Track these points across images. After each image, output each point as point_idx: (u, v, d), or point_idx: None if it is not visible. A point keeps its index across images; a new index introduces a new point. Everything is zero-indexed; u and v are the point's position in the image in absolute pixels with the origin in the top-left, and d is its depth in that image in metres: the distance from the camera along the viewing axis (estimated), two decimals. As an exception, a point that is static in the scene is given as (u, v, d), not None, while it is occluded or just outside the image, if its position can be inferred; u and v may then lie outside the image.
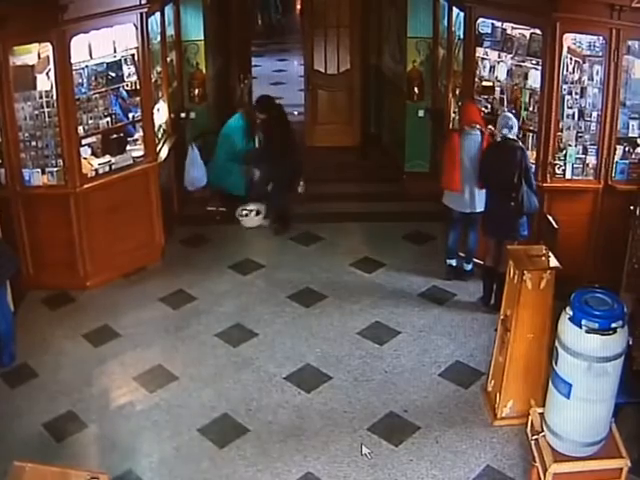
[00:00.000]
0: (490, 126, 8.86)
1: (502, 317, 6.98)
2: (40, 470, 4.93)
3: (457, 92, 10.06)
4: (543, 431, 5.83)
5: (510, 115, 8.36)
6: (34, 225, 8.80)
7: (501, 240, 8.32)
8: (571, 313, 5.40)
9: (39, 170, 8.67)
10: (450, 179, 8.78)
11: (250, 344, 8.25)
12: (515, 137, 8.23)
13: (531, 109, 8.71)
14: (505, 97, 9.13)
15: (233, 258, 9.92)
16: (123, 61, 9.09)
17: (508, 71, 9.05)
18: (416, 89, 11.38)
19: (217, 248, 10.24)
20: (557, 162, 8.60)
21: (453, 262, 9.35)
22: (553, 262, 6.68)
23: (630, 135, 8.40)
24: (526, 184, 8.06)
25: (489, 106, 9.29)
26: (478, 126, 8.69)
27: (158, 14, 9.93)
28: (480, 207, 8.70)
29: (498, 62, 9.14)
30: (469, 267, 9.33)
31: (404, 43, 11.45)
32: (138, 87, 9.28)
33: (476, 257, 9.21)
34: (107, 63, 8.96)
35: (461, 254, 9.33)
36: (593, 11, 7.96)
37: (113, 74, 9.02)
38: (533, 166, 8.49)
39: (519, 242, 8.13)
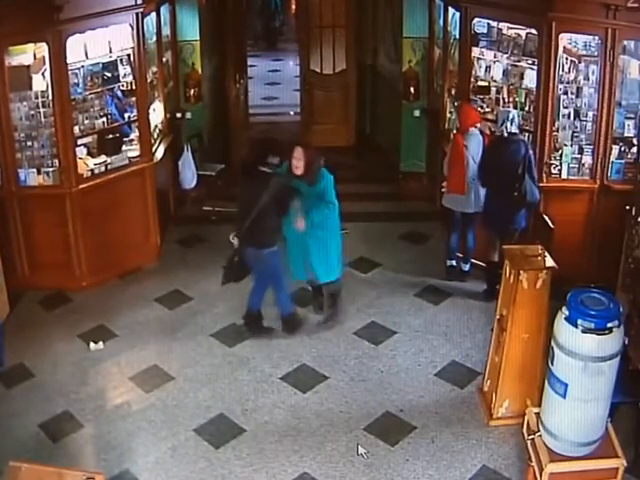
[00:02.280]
0: (489, 124, 8.91)
1: (498, 317, 6.98)
2: (36, 470, 4.93)
3: (453, 92, 10.07)
4: (539, 431, 5.82)
5: (508, 108, 8.44)
6: (30, 225, 8.80)
7: (502, 234, 8.37)
8: (567, 313, 5.39)
9: (35, 170, 8.67)
10: (457, 182, 8.77)
11: (246, 344, 8.24)
12: (517, 130, 8.28)
13: (527, 109, 8.71)
14: (501, 97, 9.15)
15: (229, 258, 9.92)
16: (119, 61, 9.09)
17: (504, 71, 9.06)
18: (412, 89, 11.37)
19: (213, 248, 10.20)
20: (553, 162, 8.62)
21: (454, 262, 9.36)
22: (549, 262, 6.68)
23: (626, 135, 8.42)
24: (528, 175, 8.14)
25: (484, 106, 9.30)
26: (478, 125, 8.72)
27: (154, 14, 9.91)
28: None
29: (494, 62, 9.15)
30: (467, 267, 9.34)
31: (400, 43, 11.44)
32: (134, 87, 9.28)
33: (474, 257, 9.23)
34: (103, 63, 8.96)
35: (459, 254, 9.34)
36: (589, 11, 7.98)
37: (109, 74, 9.01)
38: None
39: (519, 233, 8.32)
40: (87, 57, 8.77)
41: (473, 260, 9.25)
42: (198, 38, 11.30)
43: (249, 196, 7.78)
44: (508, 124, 8.17)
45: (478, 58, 9.29)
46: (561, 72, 8.40)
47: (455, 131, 9.16)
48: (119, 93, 9.26)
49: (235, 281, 8.11)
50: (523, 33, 8.74)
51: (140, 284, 9.38)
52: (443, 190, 9.21)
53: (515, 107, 8.85)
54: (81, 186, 8.83)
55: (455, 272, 9.34)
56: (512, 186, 8.13)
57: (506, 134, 8.21)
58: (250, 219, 7.68)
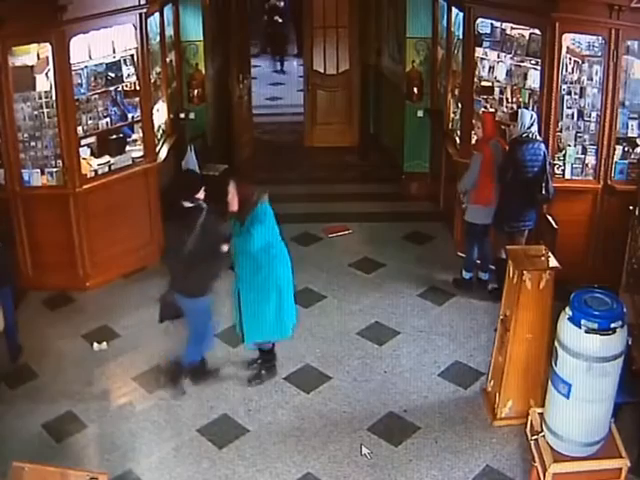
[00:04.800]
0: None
1: (502, 317, 6.98)
2: (39, 470, 4.94)
3: (456, 92, 10.07)
4: (543, 431, 5.83)
5: (529, 111, 8.37)
6: (34, 226, 8.81)
7: (515, 232, 8.39)
8: (570, 313, 5.39)
9: (38, 170, 8.69)
10: (487, 193, 8.51)
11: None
12: (537, 130, 8.26)
13: (530, 109, 8.70)
14: (504, 97, 9.14)
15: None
16: (122, 62, 9.10)
17: (507, 71, 9.07)
18: (415, 89, 11.38)
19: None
20: (556, 162, 8.61)
21: (471, 275, 9.12)
22: (552, 262, 6.68)
23: (629, 135, 8.42)
24: (547, 174, 8.18)
25: (488, 106, 9.30)
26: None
27: (157, 14, 9.94)
28: None
29: (497, 62, 9.15)
30: (487, 276, 9.09)
31: (403, 43, 11.45)
32: (137, 87, 9.28)
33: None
34: (106, 64, 8.98)
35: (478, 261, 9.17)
36: (592, 11, 7.97)
37: (112, 74, 9.03)
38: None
39: (529, 231, 8.37)
40: (91, 57, 8.78)
41: (478, 261, 9.21)
42: (202, 38, 11.32)
43: (176, 237, 6.98)
44: (533, 127, 8.14)
45: (481, 58, 9.29)
46: (564, 72, 8.39)
47: (475, 142, 8.94)
48: (118, 96, 9.25)
49: (173, 319, 7.46)
50: (526, 33, 8.74)
51: (144, 284, 9.35)
52: (465, 205, 8.88)
53: (519, 107, 8.84)
54: (85, 186, 8.84)
55: (471, 284, 9.12)
56: (536, 185, 8.12)
57: (531, 136, 8.15)
58: (183, 263, 6.93)
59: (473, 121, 9.51)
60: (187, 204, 6.99)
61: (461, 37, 9.60)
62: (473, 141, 9.35)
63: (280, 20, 19.32)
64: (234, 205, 7.04)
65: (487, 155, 8.48)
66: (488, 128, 8.59)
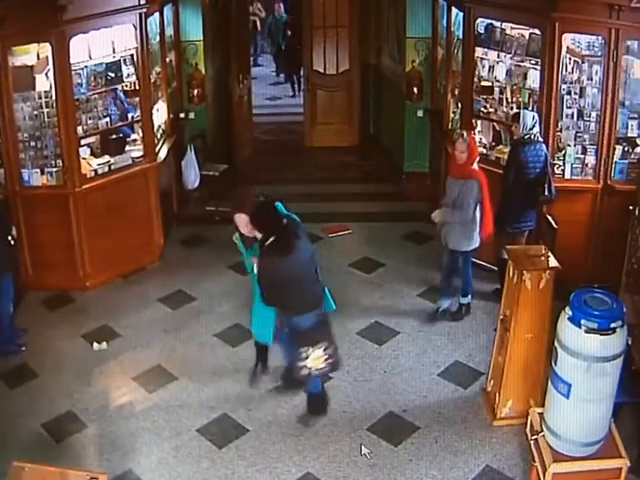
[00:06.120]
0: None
1: (501, 317, 6.98)
2: (39, 470, 4.94)
3: (456, 92, 10.07)
4: (542, 431, 5.82)
5: (531, 112, 8.34)
6: (33, 225, 8.80)
7: (516, 233, 8.37)
8: (570, 313, 5.39)
9: (38, 170, 8.68)
10: (491, 218, 8.16)
11: (249, 344, 8.18)
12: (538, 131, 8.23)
13: (530, 109, 8.70)
14: (504, 97, 9.14)
15: (232, 258, 9.84)
16: (122, 61, 9.10)
17: (507, 71, 9.06)
18: (415, 89, 11.39)
19: (216, 248, 10.21)
20: (556, 162, 8.61)
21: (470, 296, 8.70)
22: (552, 262, 6.68)
23: (629, 135, 8.41)
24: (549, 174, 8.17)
25: (487, 106, 9.29)
26: None
27: (157, 14, 9.94)
28: None
29: (497, 62, 9.14)
30: (467, 300, 8.72)
31: (403, 43, 11.46)
32: (137, 87, 9.28)
33: (479, 258, 8.95)
34: (106, 63, 8.98)
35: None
36: (592, 11, 7.97)
37: (112, 74, 9.03)
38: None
39: (529, 232, 8.34)
40: (90, 57, 8.79)
41: (479, 262, 9.09)
42: (201, 38, 11.32)
43: (301, 256, 6.75)
44: (536, 128, 8.13)
45: (481, 58, 9.28)
46: (564, 72, 8.39)
47: (459, 168, 8.17)
48: (118, 95, 9.26)
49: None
50: (526, 33, 8.73)
51: (143, 284, 9.39)
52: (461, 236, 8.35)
53: (518, 107, 8.84)
54: (84, 186, 8.85)
55: (469, 308, 8.72)
56: (538, 186, 8.12)
57: (533, 137, 8.14)
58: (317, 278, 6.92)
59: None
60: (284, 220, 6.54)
61: (461, 37, 9.61)
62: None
63: (289, 33, 17.27)
64: (256, 233, 6.59)
65: (482, 179, 8.03)
66: (475, 150, 8.11)
